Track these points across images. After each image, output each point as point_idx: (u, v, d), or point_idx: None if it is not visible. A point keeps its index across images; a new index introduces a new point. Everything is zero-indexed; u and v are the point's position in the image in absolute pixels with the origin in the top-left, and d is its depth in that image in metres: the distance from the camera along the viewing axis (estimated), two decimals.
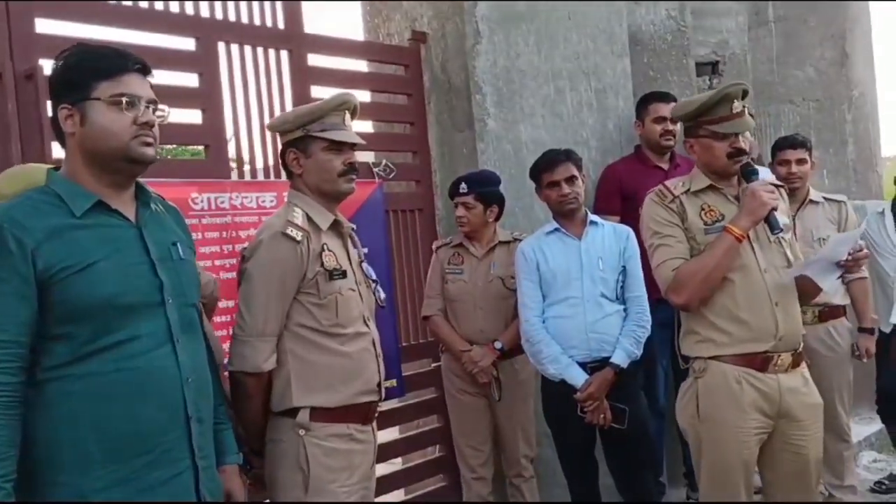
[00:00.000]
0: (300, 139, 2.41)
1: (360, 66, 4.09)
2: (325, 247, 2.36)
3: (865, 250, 2.65)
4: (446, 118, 4.09)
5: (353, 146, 2.45)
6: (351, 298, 2.40)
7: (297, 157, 2.42)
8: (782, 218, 2.64)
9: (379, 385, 2.49)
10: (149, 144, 1.83)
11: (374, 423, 2.54)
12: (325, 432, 2.34)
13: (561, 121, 4.20)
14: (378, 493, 3.78)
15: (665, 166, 4.16)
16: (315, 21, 3.98)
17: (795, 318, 2.68)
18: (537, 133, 4.07)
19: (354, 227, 2.58)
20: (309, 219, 2.36)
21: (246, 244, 2.51)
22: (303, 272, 2.30)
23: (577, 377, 3.21)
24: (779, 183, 2.82)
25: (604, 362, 3.23)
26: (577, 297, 3.28)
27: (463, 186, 3.58)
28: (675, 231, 2.66)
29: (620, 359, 3.22)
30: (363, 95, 4.05)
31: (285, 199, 2.53)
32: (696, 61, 5.00)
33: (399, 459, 4.20)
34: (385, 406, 3.86)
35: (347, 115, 2.46)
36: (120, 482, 1.71)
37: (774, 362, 2.61)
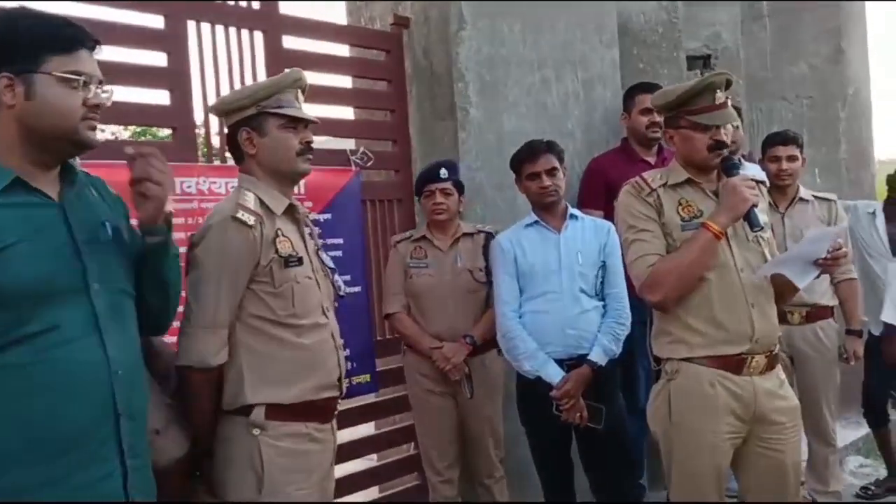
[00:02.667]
0: (254, 117, 2.28)
1: (340, 50, 3.98)
2: (279, 232, 2.24)
3: (845, 249, 2.54)
4: (427, 106, 3.97)
5: (307, 124, 2.33)
6: (308, 287, 2.28)
7: (251, 136, 2.29)
8: (762, 216, 2.54)
9: (339, 380, 2.37)
10: (94, 128, 1.73)
11: (334, 422, 2.42)
12: (281, 432, 2.21)
13: (546, 111, 4.09)
14: (352, 490, 3.74)
15: (652, 160, 4.07)
16: (293, 2, 3.87)
17: (771, 319, 2.58)
18: (521, 123, 3.97)
19: (309, 212, 2.46)
20: (262, 203, 2.24)
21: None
22: (256, 259, 2.17)
23: (554, 374, 3.12)
24: (760, 179, 2.71)
25: (581, 359, 3.14)
26: (555, 291, 3.19)
27: (444, 172, 3.46)
28: (652, 226, 2.55)
29: (598, 356, 3.14)
30: (343, 81, 3.95)
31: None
32: (687, 54, 4.92)
33: (374, 456, 4.11)
34: (360, 402, 3.79)
35: (300, 94, 2.35)
36: (45, 484, 1.58)
37: (749, 364, 2.50)
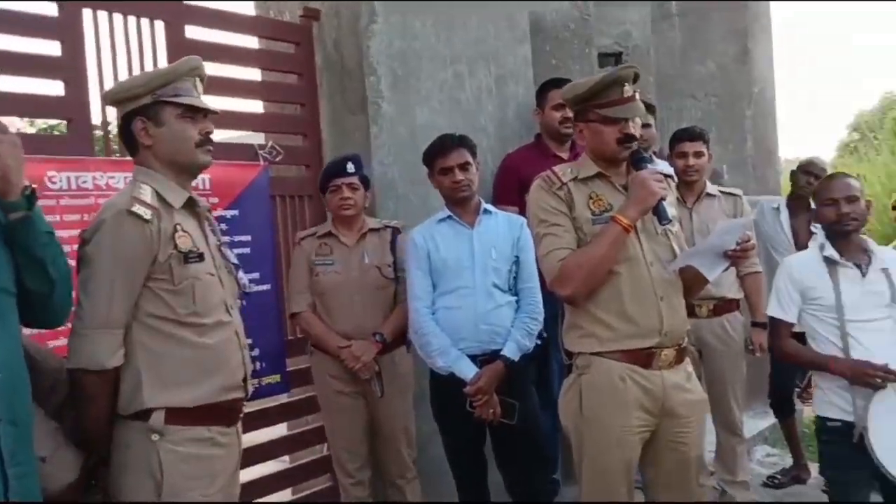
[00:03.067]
0: (149, 106, 2.17)
1: (248, 42, 3.87)
2: (178, 227, 2.14)
3: (753, 241, 2.58)
4: (339, 100, 3.89)
5: (207, 115, 2.24)
6: (210, 284, 2.19)
7: (146, 126, 2.18)
8: (670, 209, 2.55)
9: (244, 380, 2.29)
10: None
11: (240, 425, 2.33)
12: (182, 436, 2.12)
13: (459, 106, 4.07)
14: (264, 493, 3.65)
15: (565, 155, 4.07)
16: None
17: (680, 312, 2.61)
18: (434, 118, 3.93)
19: (210, 207, 2.37)
20: (159, 196, 2.14)
21: None
22: (153, 255, 2.07)
23: (467, 370, 3.09)
24: (668, 173, 2.74)
25: (495, 355, 3.12)
26: (468, 287, 3.16)
27: (350, 166, 3.39)
28: (563, 220, 2.54)
29: (511, 351, 3.12)
30: (251, 73, 3.85)
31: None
32: (599, 52, 4.96)
33: (287, 457, 4.02)
34: (271, 402, 3.70)
35: (199, 83, 2.25)
36: None
37: (658, 358, 2.52)
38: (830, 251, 2.93)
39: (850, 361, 2.80)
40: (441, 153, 3.23)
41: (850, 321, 2.84)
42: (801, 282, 2.96)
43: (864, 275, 2.89)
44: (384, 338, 3.35)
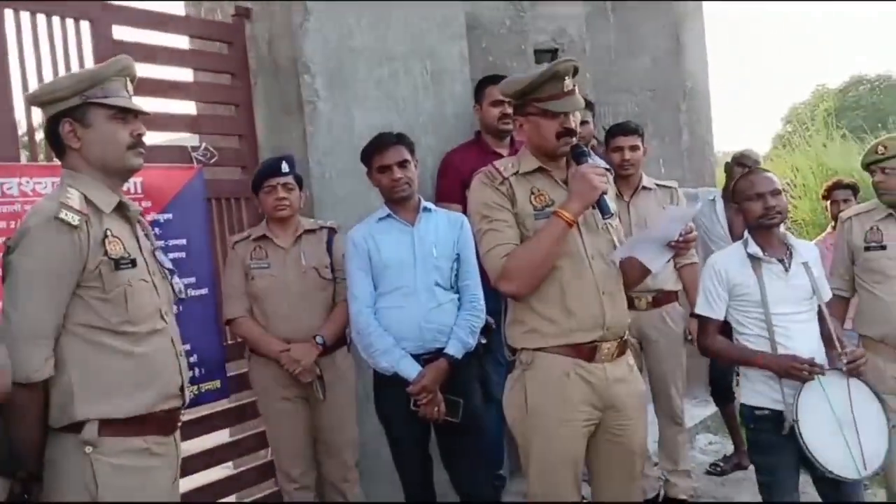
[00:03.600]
0: (77, 107, 2.11)
1: (180, 42, 3.79)
2: (108, 232, 2.08)
3: (695, 231, 2.61)
4: (274, 100, 3.84)
5: (137, 116, 2.18)
6: (143, 290, 2.14)
7: (74, 128, 2.11)
8: (611, 203, 2.56)
9: (181, 388, 2.23)
10: None
11: (178, 433, 2.28)
12: (116, 448, 2.06)
13: (396, 104, 4.04)
14: (209, 500, 3.57)
15: (504, 152, 4.07)
16: None
17: (621, 306, 2.62)
18: (371, 117, 3.89)
19: (142, 210, 2.31)
20: (88, 201, 2.07)
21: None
22: (82, 263, 2.01)
23: (411, 370, 3.07)
24: (606, 166, 2.75)
25: (438, 353, 3.11)
26: (409, 286, 3.14)
27: (285, 166, 3.34)
28: (505, 215, 2.53)
29: (455, 349, 3.12)
30: (184, 74, 3.78)
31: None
32: (535, 48, 4.98)
33: (231, 463, 3.95)
34: (213, 408, 3.63)
35: (129, 83, 2.19)
36: None
37: (601, 351, 2.53)
38: (754, 248, 2.95)
39: (777, 357, 2.82)
40: (379, 151, 3.20)
41: (775, 314, 2.87)
42: (727, 279, 2.98)
43: (787, 269, 2.93)
44: (324, 340, 3.31)
